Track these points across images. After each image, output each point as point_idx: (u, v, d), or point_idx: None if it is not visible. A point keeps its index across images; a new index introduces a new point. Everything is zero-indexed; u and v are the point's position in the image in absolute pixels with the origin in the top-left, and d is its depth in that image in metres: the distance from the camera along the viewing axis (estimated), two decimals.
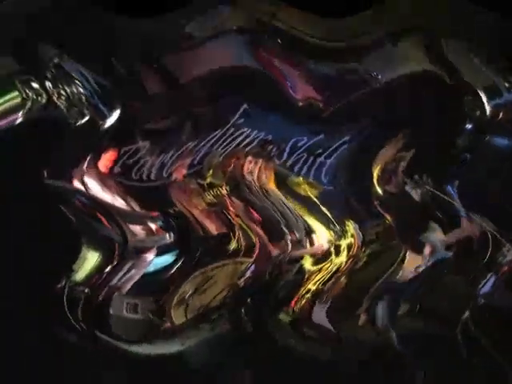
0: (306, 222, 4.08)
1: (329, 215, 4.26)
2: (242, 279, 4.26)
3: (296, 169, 4.42)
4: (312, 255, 4.28)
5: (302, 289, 4.53)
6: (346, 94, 4.13)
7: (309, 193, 4.41)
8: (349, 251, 4.34)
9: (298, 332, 4.16)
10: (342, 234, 4.20)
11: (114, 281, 4.09)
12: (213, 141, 4.00)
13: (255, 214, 4.07)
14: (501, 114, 4.29)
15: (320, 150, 4.41)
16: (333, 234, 4.18)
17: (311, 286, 4.61)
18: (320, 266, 4.64)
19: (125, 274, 4.15)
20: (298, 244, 4.02)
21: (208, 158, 4.28)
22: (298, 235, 3.99)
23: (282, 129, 4.38)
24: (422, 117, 4.31)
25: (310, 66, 3.96)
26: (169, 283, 4.09)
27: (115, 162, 3.86)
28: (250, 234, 4.27)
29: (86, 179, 3.94)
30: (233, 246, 4.16)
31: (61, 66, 4.04)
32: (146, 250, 4.10)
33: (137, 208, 4.04)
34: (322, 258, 4.31)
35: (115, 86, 4.05)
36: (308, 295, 4.47)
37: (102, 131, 4.06)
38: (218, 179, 4.49)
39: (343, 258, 4.37)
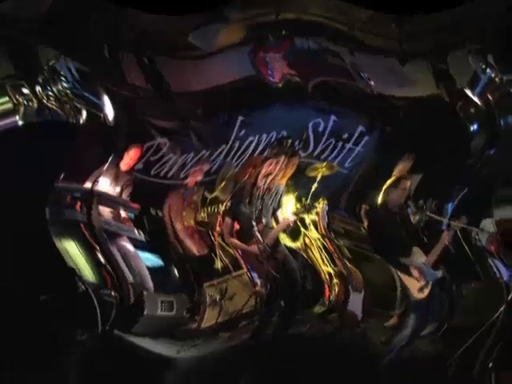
0: (279, 201, 4.94)
1: (312, 189, 5.33)
2: (258, 287, 4.91)
3: (323, 157, 5.77)
4: (283, 232, 4.94)
5: (322, 274, 5.38)
6: (322, 71, 5.55)
7: (319, 174, 5.47)
8: (316, 228, 4.40)
9: (324, 319, 5.17)
10: (309, 208, 4.28)
11: (130, 278, 5.05)
12: (224, 153, 5.43)
13: (236, 226, 4.76)
14: (489, 97, 4.47)
15: (346, 135, 5.83)
16: (299, 206, 5.05)
17: (326, 268, 5.45)
18: (301, 242, 5.58)
19: (130, 267, 5.22)
20: (265, 228, 4.62)
21: (223, 169, 5.42)
22: (264, 221, 4.63)
23: (290, 119, 5.78)
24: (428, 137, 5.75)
25: (297, 43, 5.39)
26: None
27: (139, 159, 5.34)
28: (230, 250, 5.16)
29: (100, 178, 5.01)
30: (219, 265, 5.19)
31: (55, 67, 3.92)
32: (116, 235, 5.21)
33: (126, 197, 5.37)
34: (294, 232, 5.34)
35: (97, 73, 4.95)
36: (335, 280, 5.35)
37: (110, 126, 5.14)
38: (225, 193, 5.45)
39: (314, 233, 4.45)
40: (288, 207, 5.80)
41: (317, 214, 5.89)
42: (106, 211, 5.87)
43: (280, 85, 6.32)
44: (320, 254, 6.06)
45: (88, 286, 4.67)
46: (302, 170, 6.54)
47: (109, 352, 4.54)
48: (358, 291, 5.55)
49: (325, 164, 6.42)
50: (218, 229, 5.90)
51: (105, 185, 5.84)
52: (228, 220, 4.81)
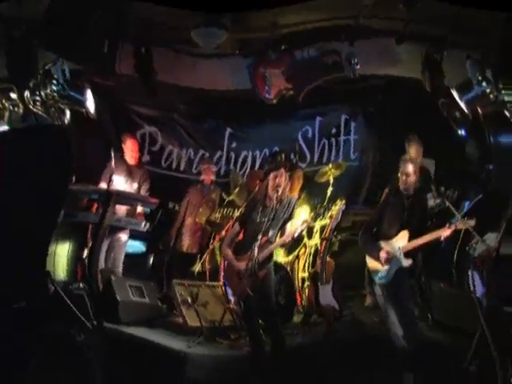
0: (291, 213, 4.39)
1: (328, 194, 5.56)
2: (231, 304, 4.98)
3: (324, 160, 6.34)
4: (281, 245, 4.61)
5: (296, 282, 5.30)
6: (316, 76, 5.90)
7: (330, 177, 5.69)
8: (321, 233, 5.32)
9: (307, 324, 5.17)
10: (322, 214, 4.91)
11: (102, 265, 5.22)
12: (224, 160, 6.30)
13: (241, 236, 4.50)
14: (479, 109, 4.33)
15: (334, 130, 6.53)
16: (313, 214, 4.60)
17: (302, 274, 5.34)
18: (295, 253, 5.67)
19: (107, 254, 5.36)
20: (267, 243, 4.27)
21: (231, 175, 5.94)
22: (270, 234, 4.21)
23: (280, 134, 6.49)
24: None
25: (297, 55, 5.74)
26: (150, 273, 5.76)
27: (140, 150, 5.63)
28: (218, 260, 5.49)
29: (114, 176, 5.13)
30: (197, 268, 5.48)
31: (50, 70, 4.83)
32: (119, 229, 5.34)
33: (144, 192, 5.57)
34: (292, 244, 4.92)
35: (90, 70, 5.32)
36: (306, 283, 5.25)
37: (96, 120, 5.50)
38: (241, 199, 5.64)
39: (316, 240, 5.58)
40: (300, 220, 5.45)
41: (330, 217, 5.70)
42: (122, 209, 5.86)
43: (274, 101, 6.44)
44: (305, 261, 5.89)
45: (57, 284, 4.68)
46: (311, 179, 6.53)
47: (113, 346, 4.53)
48: (327, 283, 5.48)
49: (331, 165, 6.33)
50: (223, 233, 5.88)
51: (121, 183, 5.85)
52: (236, 226, 4.71)
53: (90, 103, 5.59)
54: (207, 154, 7.46)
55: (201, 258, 6.24)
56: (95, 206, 5.69)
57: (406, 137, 5.89)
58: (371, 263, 4.58)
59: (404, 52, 6.05)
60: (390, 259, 4.46)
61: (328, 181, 6.27)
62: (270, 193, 4.53)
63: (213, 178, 6.60)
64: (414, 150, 5.73)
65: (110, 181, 5.52)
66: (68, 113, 5.46)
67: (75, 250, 5.84)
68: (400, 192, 4.70)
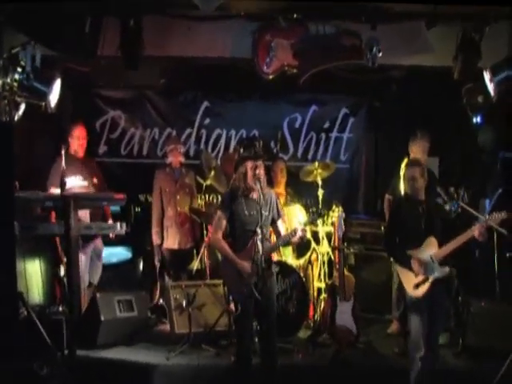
0: (277, 211, 4.04)
1: (320, 197, 5.06)
2: (232, 305, 3.90)
3: (310, 156, 5.89)
4: (284, 245, 4.25)
5: (311, 292, 4.86)
6: (329, 58, 5.16)
7: (318, 178, 5.15)
8: (329, 241, 4.75)
9: (314, 343, 4.69)
10: (318, 217, 4.14)
11: (86, 283, 4.70)
12: (193, 138, 5.94)
13: (236, 223, 3.97)
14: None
15: (327, 124, 5.96)
16: (309, 216, 4.15)
17: (318, 284, 4.85)
18: (306, 258, 5.04)
19: (90, 269, 4.92)
20: (264, 240, 3.92)
21: (202, 156, 5.30)
22: (264, 231, 3.87)
23: (263, 117, 6.04)
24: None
25: (311, 29, 5.07)
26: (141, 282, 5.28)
27: (87, 136, 5.22)
28: (216, 253, 4.50)
29: (66, 178, 4.39)
30: (195, 265, 4.98)
31: (16, 56, 3.89)
32: (92, 238, 4.93)
33: (104, 188, 4.94)
34: (302, 248, 4.94)
35: (68, 55, 4.62)
36: (323, 295, 4.74)
37: (53, 115, 4.50)
38: (220, 184, 5.18)
39: (325, 247, 4.83)
40: (297, 219, 5.24)
41: (333, 224, 5.34)
42: (85, 214, 5.35)
43: (270, 77, 5.78)
44: (319, 270, 5.62)
45: (31, 309, 4.12)
46: (295, 176, 6.23)
47: (83, 377, 4.11)
48: (346, 300, 5.03)
49: (317, 164, 6.00)
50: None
51: (74, 183, 5.30)
52: (220, 214, 4.22)
53: (54, 96, 4.82)
54: (174, 133, 6.97)
55: (197, 254, 5.86)
56: (53, 215, 5.11)
57: (412, 134, 5.52)
58: (404, 276, 4.16)
59: (435, 37, 5.52)
60: (425, 267, 4.06)
61: (315, 181, 5.91)
62: (251, 184, 4.14)
63: (181, 159, 6.13)
64: (419, 149, 5.37)
65: (62, 183, 4.82)
66: (22, 108, 4.63)
67: (49, 268, 5.35)
68: (410, 198, 4.31)
